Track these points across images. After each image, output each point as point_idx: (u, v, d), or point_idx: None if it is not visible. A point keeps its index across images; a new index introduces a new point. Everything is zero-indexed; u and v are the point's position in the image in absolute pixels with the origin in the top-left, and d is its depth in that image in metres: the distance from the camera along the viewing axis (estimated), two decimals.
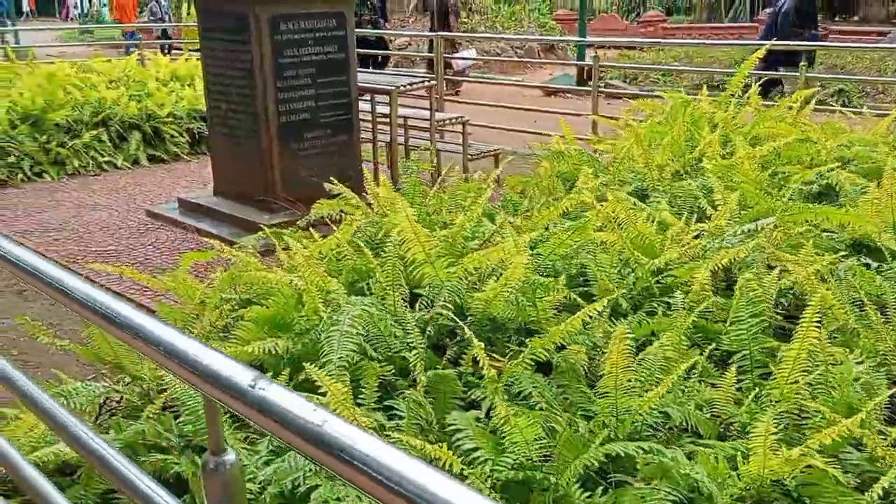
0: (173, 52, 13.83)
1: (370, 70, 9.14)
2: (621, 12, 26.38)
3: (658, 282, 2.76)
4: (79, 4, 40.20)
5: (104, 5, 37.73)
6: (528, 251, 2.45)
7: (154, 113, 7.87)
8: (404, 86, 5.54)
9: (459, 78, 11.07)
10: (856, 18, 26.30)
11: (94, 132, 7.52)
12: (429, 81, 5.74)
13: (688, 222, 3.24)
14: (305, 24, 5.23)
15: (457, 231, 2.91)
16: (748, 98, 5.26)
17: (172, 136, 7.89)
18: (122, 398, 2.49)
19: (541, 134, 7.25)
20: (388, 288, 2.61)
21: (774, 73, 7.64)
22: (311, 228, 3.46)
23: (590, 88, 13.37)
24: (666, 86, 12.99)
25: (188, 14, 16.57)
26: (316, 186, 5.55)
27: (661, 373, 2.15)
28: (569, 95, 12.73)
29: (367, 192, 5.61)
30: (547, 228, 3.14)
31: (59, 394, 2.40)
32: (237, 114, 5.40)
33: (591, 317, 2.25)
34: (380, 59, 11.73)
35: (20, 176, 6.97)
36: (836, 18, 26.22)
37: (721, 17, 26.77)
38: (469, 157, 6.07)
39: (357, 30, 6.10)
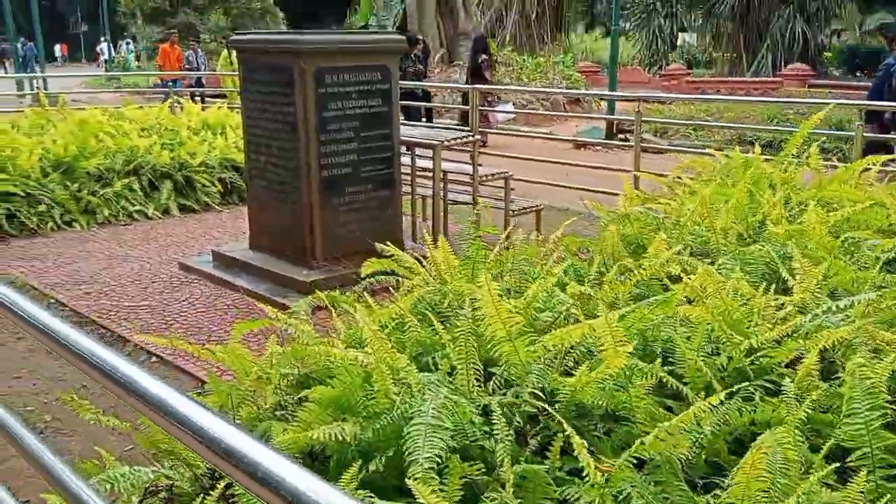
0: (206, 101, 13.99)
1: (411, 122, 9.08)
2: (643, 65, 26.49)
3: (752, 362, 2.54)
4: (105, 51, 41.02)
5: (131, 52, 38.50)
6: (628, 337, 2.23)
7: (186, 162, 7.79)
8: (449, 140, 5.39)
9: (489, 130, 10.97)
10: None
11: (126, 181, 7.44)
12: (471, 136, 5.59)
13: (766, 292, 3.03)
14: (350, 77, 5.12)
15: (529, 302, 2.70)
16: (808, 158, 5.07)
17: (204, 185, 7.78)
18: (172, 485, 2.27)
19: (587, 190, 7.11)
20: (460, 366, 2.40)
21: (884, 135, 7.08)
22: (366, 294, 3.26)
23: (618, 142, 13.31)
24: (697, 140, 12.86)
25: (230, 63, 16.81)
26: (356, 242, 5.41)
27: (782, 475, 1.91)
28: (598, 148, 12.62)
29: (412, 250, 5.45)
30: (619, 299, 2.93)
31: (104, 480, 2.19)
32: (277, 167, 5.27)
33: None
34: (423, 112, 11.73)
35: (50, 225, 6.86)
36: None
37: (743, 71, 26.82)
38: (511, 212, 5.89)
39: (402, 82, 6.00)
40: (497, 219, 6.38)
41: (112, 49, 40.19)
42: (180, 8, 25.54)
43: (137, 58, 41.23)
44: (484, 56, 13.04)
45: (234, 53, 16.79)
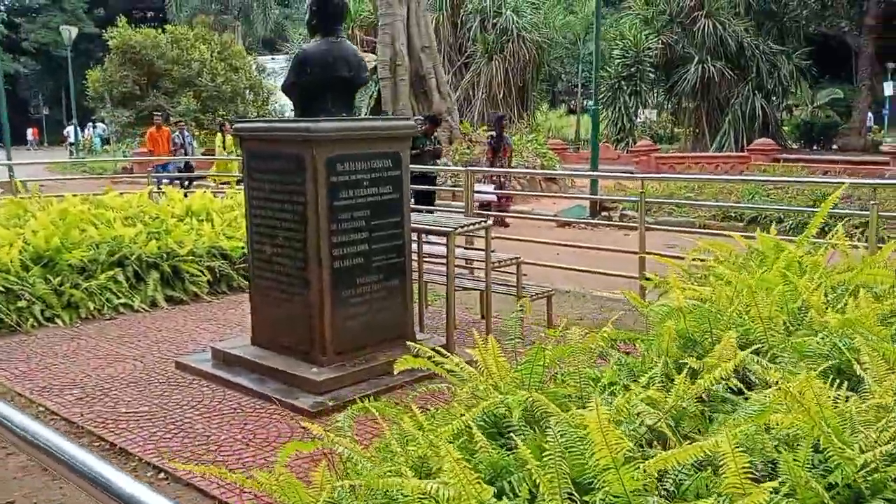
0: (194, 185, 13.77)
1: (422, 207, 8.99)
2: (611, 141, 26.99)
3: (865, 478, 2.31)
4: (72, 134, 40.69)
5: (98, 135, 38.19)
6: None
7: (174, 251, 7.48)
8: (462, 227, 5.21)
9: (489, 213, 10.84)
10: None
11: (111, 272, 7.09)
12: (485, 221, 5.41)
13: (837, 390, 2.83)
14: (362, 165, 4.95)
15: (614, 417, 2.46)
16: (832, 239, 4.98)
17: (193, 275, 7.47)
18: None
19: (590, 272, 6.96)
20: (549, 497, 2.14)
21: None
22: (401, 400, 2.98)
23: (600, 221, 13.30)
24: (681, 216, 12.92)
25: (223, 148, 16.60)
26: (366, 335, 5.13)
27: None
28: (582, 227, 12.59)
29: (424, 342, 5.17)
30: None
31: None
32: (284, 257, 5.02)
33: None
34: (432, 195, 11.70)
35: (30, 322, 6.46)
36: None
37: (706, 146, 27.45)
38: (523, 296, 5.68)
39: (413, 166, 5.85)
40: (506, 304, 6.17)
41: (79, 132, 39.93)
42: (150, 92, 25.49)
43: (107, 141, 40.90)
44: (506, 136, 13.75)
45: (227, 138, 16.48)
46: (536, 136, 21.63)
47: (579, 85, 33.21)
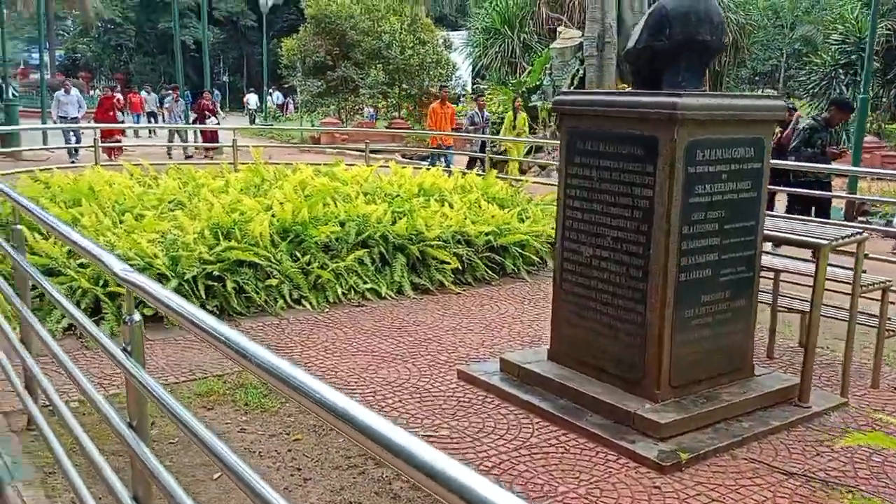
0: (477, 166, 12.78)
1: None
2: None
3: None
4: (252, 102, 42.09)
5: (275, 103, 39.11)
6: None
7: (422, 234, 6.77)
8: (839, 238, 4.07)
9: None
10: None
11: (358, 254, 6.47)
12: (861, 233, 4.24)
13: None
14: (722, 154, 3.91)
15: None
16: None
17: (441, 262, 6.73)
18: None
19: None
20: None
21: None
22: None
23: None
24: None
25: (513, 128, 15.02)
26: (701, 366, 4.13)
27: None
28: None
29: (766, 376, 4.16)
30: None
31: None
32: (611, 262, 4.08)
33: None
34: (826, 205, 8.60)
35: (280, 303, 5.94)
36: None
37: None
38: (889, 332, 4.48)
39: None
40: (866, 340, 5.00)
41: (259, 100, 41.22)
42: (341, 62, 25.53)
43: (281, 109, 42.04)
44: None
45: (520, 116, 15.30)
46: None
47: (782, 71, 30.44)
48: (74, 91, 18.24)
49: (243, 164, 10.64)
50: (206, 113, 18.62)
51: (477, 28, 30.16)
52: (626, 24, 17.71)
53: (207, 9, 55.92)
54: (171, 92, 21.85)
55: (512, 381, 4.44)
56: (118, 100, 21.27)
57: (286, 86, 37.12)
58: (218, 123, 18.90)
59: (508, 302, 6.40)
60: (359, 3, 26.46)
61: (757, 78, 36.53)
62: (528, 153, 16.68)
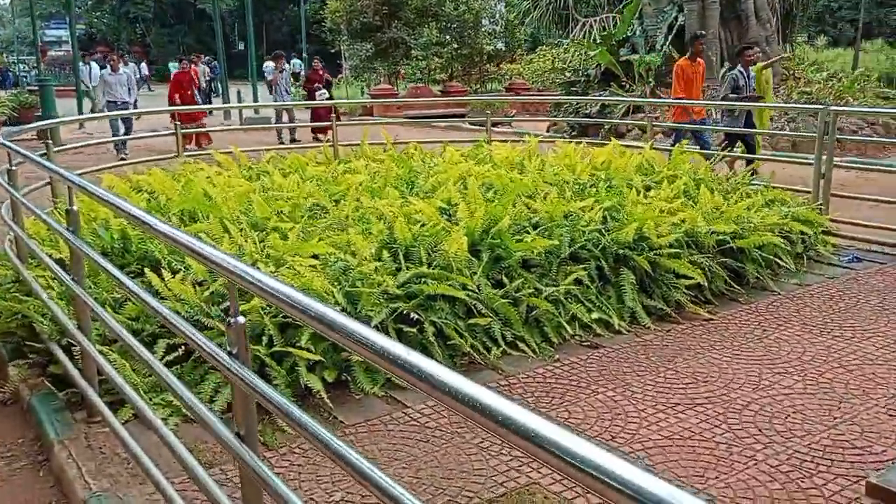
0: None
1: None
2: None
3: None
4: (270, 72, 39.86)
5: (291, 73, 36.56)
6: None
7: (650, 240, 5.12)
8: None
9: None
10: None
11: (575, 272, 4.85)
12: None
13: None
14: None
15: None
16: None
17: (678, 276, 5.09)
18: None
19: None
20: None
21: None
22: None
23: None
24: None
25: (764, 81, 9.92)
26: None
27: None
28: None
29: None
30: None
31: None
32: None
33: None
34: None
35: (494, 351, 4.33)
36: None
37: None
38: None
39: None
40: None
41: (300, 66, 38.91)
42: (390, 22, 23.64)
43: (297, 77, 38.56)
44: None
45: (766, 71, 10.64)
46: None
47: (862, 9, 28.01)
48: (125, 69, 14.73)
49: (346, 146, 9.02)
50: (318, 85, 15.46)
51: None
52: None
53: None
54: (272, 63, 18.52)
55: None
56: (195, 73, 17.36)
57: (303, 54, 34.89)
58: (330, 97, 15.70)
59: (791, 329, 4.75)
60: None
61: (827, 19, 33.92)
62: (626, 114, 14.89)
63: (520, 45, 26.14)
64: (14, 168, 4.93)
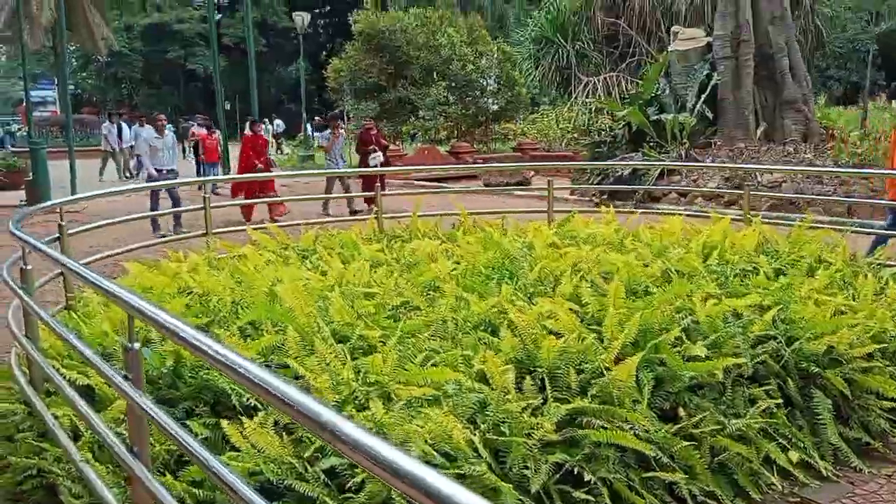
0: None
1: None
2: None
3: None
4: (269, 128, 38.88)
5: (271, 130, 35.02)
6: None
7: (838, 350, 4.03)
8: None
9: None
10: None
11: (761, 398, 3.74)
12: None
13: None
14: None
15: None
16: None
17: (880, 397, 3.99)
18: None
19: None
20: None
21: None
22: None
23: None
24: None
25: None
26: None
27: None
28: None
29: None
30: None
31: None
32: None
33: None
34: None
35: None
36: None
37: None
38: None
39: None
40: None
41: (269, 127, 37.67)
42: (395, 82, 22.88)
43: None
44: None
45: None
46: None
47: (868, 67, 27.75)
48: (170, 131, 12.14)
49: (391, 217, 7.95)
50: (373, 147, 13.17)
51: (526, 38, 27.56)
52: (762, 19, 15.07)
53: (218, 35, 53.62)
54: (322, 123, 15.70)
55: None
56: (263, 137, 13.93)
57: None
58: (384, 162, 13.45)
59: None
60: (409, 12, 23.89)
61: (833, 76, 33.64)
62: (661, 177, 13.99)
63: (525, 106, 25.46)
64: (29, 267, 3.78)
